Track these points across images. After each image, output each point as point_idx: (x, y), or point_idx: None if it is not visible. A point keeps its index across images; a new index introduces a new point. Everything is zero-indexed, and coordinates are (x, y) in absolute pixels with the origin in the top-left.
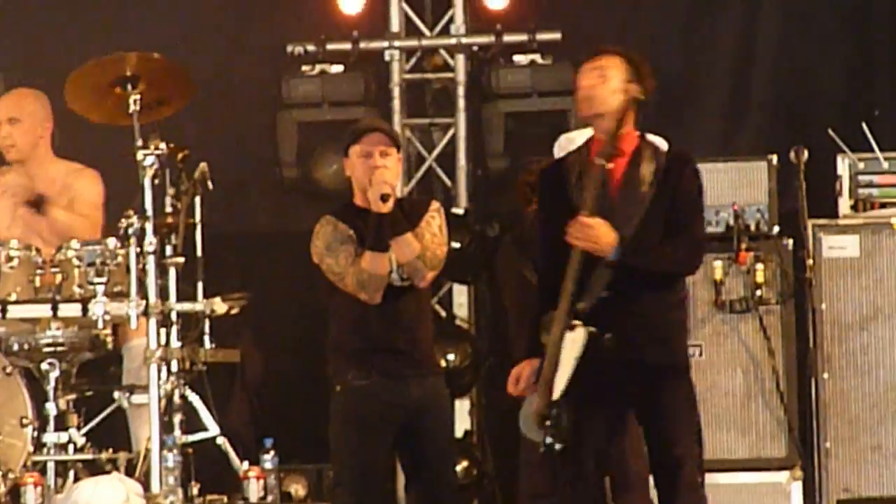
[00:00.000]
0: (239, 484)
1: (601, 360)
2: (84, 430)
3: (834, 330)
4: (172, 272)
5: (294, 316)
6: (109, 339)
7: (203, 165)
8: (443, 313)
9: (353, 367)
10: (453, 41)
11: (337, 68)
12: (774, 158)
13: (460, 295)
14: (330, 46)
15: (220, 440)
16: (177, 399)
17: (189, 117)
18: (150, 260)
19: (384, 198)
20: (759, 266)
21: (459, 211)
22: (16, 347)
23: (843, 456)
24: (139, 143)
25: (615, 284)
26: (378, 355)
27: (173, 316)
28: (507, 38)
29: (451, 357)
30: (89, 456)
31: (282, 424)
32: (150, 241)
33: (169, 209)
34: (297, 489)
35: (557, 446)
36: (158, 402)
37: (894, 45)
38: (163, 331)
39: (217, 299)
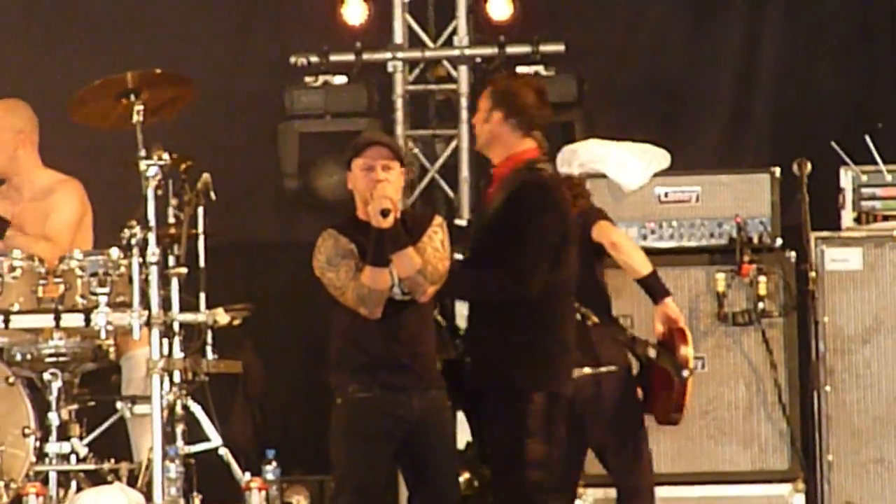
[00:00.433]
0: (241, 495)
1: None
2: (86, 441)
3: (836, 342)
4: (175, 283)
5: (296, 327)
6: (112, 349)
7: (206, 176)
8: (444, 324)
9: (355, 380)
10: (456, 52)
11: (340, 79)
12: (777, 171)
13: (462, 306)
14: (333, 57)
15: (222, 451)
16: (179, 410)
17: (192, 128)
18: (153, 270)
19: (384, 213)
20: (762, 279)
21: (462, 222)
22: (18, 357)
23: (846, 468)
24: (142, 153)
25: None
26: (379, 369)
27: (176, 326)
28: (511, 49)
29: None
30: (91, 466)
31: (284, 435)
32: (153, 252)
33: (172, 220)
34: (299, 500)
35: None
36: (161, 412)
37: None
38: (165, 341)
39: (219, 310)
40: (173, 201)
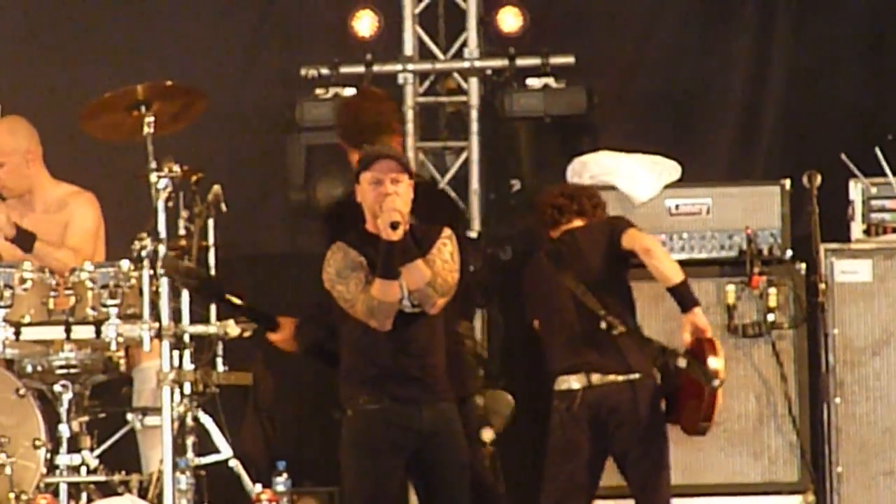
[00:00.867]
0: None
1: None
2: (97, 452)
3: (846, 354)
4: (185, 294)
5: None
6: (122, 361)
7: (216, 188)
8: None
9: (365, 391)
10: (467, 64)
11: (351, 91)
12: (787, 183)
13: (473, 318)
14: (343, 69)
15: (233, 463)
16: (189, 421)
17: (203, 140)
18: (164, 282)
19: (394, 226)
20: (772, 290)
21: (473, 234)
22: (29, 369)
23: (855, 480)
24: (153, 165)
25: None
26: (389, 381)
27: (186, 338)
28: (521, 61)
29: None
30: (102, 478)
31: (294, 447)
32: None
33: (182, 231)
34: None
35: None
36: (171, 424)
37: None
38: (176, 353)
39: (230, 322)
40: (184, 213)
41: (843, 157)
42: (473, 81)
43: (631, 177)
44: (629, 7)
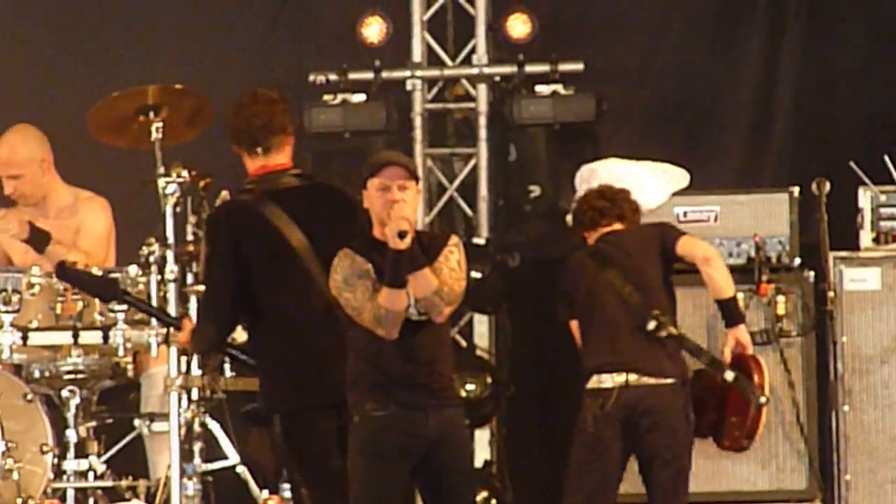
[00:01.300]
0: None
1: None
2: (104, 458)
3: (854, 362)
4: (193, 300)
5: None
6: (130, 366)
7: (225, 194)
8: (463, 343)
9: (372, 398)
10: (475, 71)
11: (359, 97)
12: (796, 190)
13: (481, 325)
14: (352, 75)
15: (240, 468)
16: (197, 427)
17: (211, 145)
18: (171, 288)
19: (402, 235)
20: (780, 298)
21: (480, 241)
22: (37, 374)
23: (863, 488)
24: (161, 170)
25: None
26: (396, 387)
27: None
28: (530, 68)
29: (471, 387)
30: (109, 483)
31: None
32: (172, 269)
33: (190, 237)
34: None
35: None
36: (179, 430)
37: None
38: (183, 359)
39: (238, 328)
40: (192, 219)
41: (853, 164)
42: (482, 88)
43: (639, 184)
44: (638, 14)
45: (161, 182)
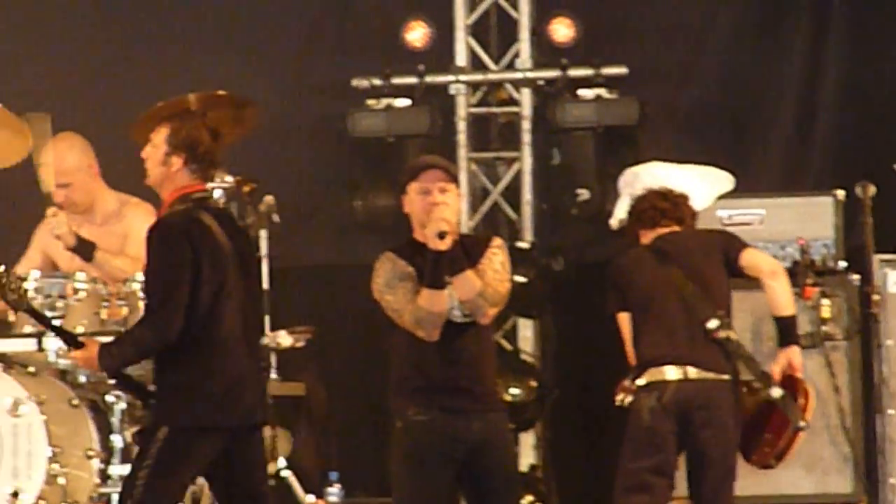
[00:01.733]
0: None
1: None
2: None
3: None
4: None
5: (359, 349)
6: None
7: (269, 199)
8: (508, 347)
9: (414, 403)
10: (519, 75)
11: (402, 102)
12: (841, 193)
13: (525, 329)
14: (395, 80)
15: (286, 473)
16: None
17: (255, 151)
18: None
19: (441, 235)
20: (825, 301)
21: (524, 245)
22: (82, 380)
23: None
24: None
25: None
26: (439, 392)
27: None
28: (573, 72)
29: (516, 391)
30: None
31: (347, 457)
32: None
33: None
34: None
35: None
36: None
37: None
38: None
39: (283, 332)
40: None
41: None
42: (525, 92)
43: (684, 188)
44: (681, 18)
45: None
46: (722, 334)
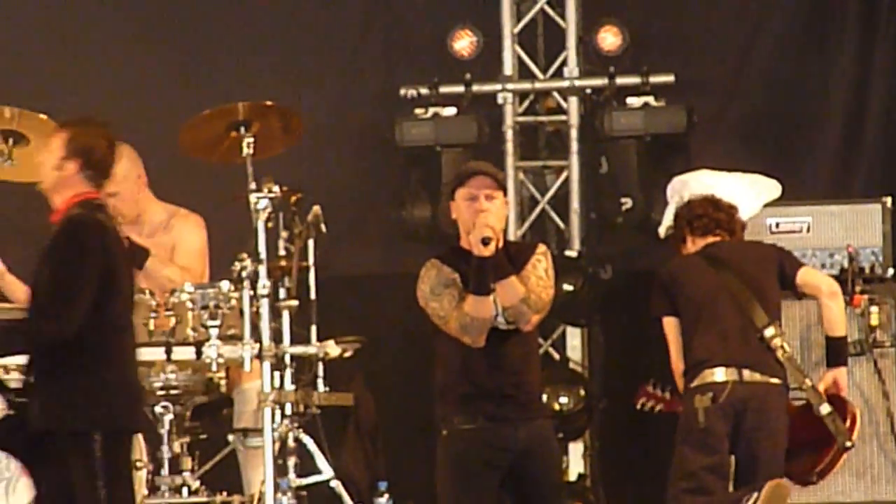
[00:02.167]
0: None
1: None
2: (198, 474)
3: None
4: (286, 315)
5: (407, 359)
6: (223, 382)
7: (316, 209)
8: (556, 356)
9: (460, 411)
10: (566, 84)
11: (450, 111)
12: (889, 200)
13: (573, 338)
14: (443, 89)
15: (334, 483)
16: (290, 442)
17: (302, 160)
18: (264, 303)
19: (485, 241)
20: (874, 309)
21: (572, 253)
22: None
23: None
24: (252, 186)
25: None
26: (484, 399)
27: (287, 359)
28: (621, 80)
29: (564, 400)
30: (204, 499)
31: (395, 467)
32: (264, 285)
33: (282, 252)
34: None
35: None
36: (272, 445)
37: None
38: (276, 374)
39: (330, 342)
40: (284, 234)
41: None
42: (573, 100)
43: (731, 195)
44: (729, 25)
45: (252, 198)
46: (777, 343)
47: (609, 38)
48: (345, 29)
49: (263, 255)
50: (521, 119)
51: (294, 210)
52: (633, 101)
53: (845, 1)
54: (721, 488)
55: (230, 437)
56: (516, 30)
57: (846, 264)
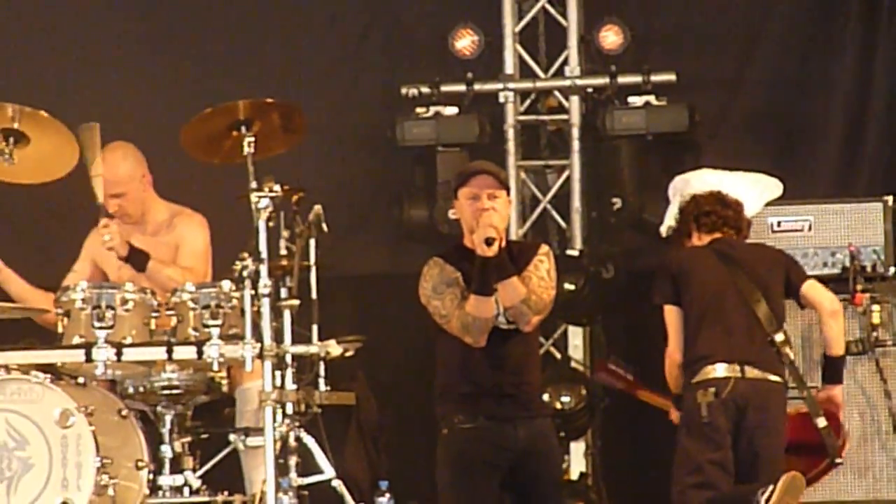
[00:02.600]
0: None
1: None
2: (200, 473)
3: None
4: (287, 315)
5: (408, 358)
6: (224, 381)
7: (317, 208)
8: (558, 355)
9: (461, 410)
10: (567, 83)
11: (451, 110)
12: (890, 199)
13: (575, 337)
14: (444, 88)
15: (336, 483)
16: (292, 442)
17: (303, 159)
18: (265, 302)
19: (489, 242)
20: (875, 307)
21: (574, 253)
22: (131, 390)
23: None
24: (253, 185)
25: None
26: (485, 399)
27: (288, 359)
28: (622, 79)
29: (566, 399)
30: (205, 499)
31: (397, 467)
32: (265, 284)
33: (283, 252)
34: None
35: None
36: (274, 444)
37: None
38: (278, 373)
39: (332, 342)
40: (285, 233)
41: None
42: (574, 99)
43: (733, 194)
44: (731, 24)
45: (254, 197)
46: (784, 350)
47: (610, 37)
48: (346, 28)
49: (265, 255)
50: (522, 118)
51: (295, 209)
52: (635, 100)
53: None
54: (726, 483)
55: (231, 437)
56: (517, 29)
57: (848, 263)
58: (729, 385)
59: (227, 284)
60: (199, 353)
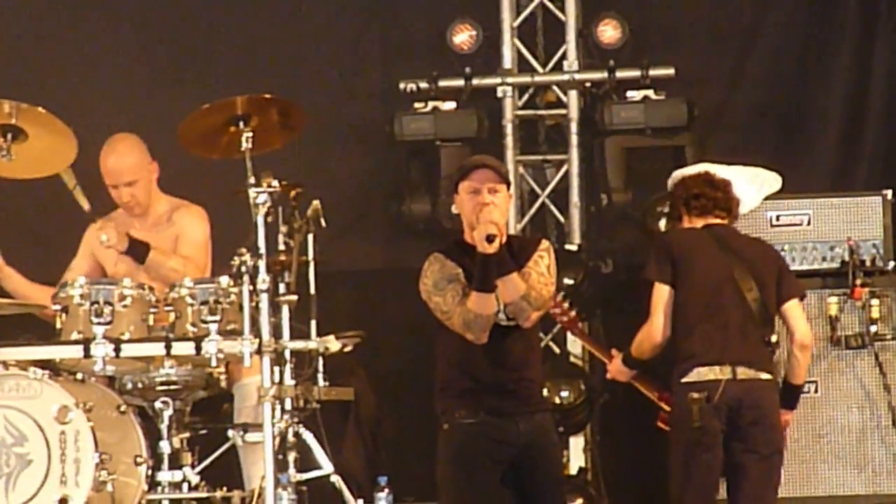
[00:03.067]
0: None
1: None
2: (198, 469)
3: None
4: (286, 310)
5: (407, 353)
6: (223, 377)
7: (316, 203)
8: (557, 350)
9: (461, 405)
10: (566, 77)
11: (449, 105)
12: (889, 193)
13: None
14: (442, 83)
15: (334, 478)
16: (291, 437)
17: (302, 155)
18: (264, 298)
19: (490, 239)
20: (875, 301)
21: (573, 247)
22: (130, 386)
23: None
24: (252, 180)
25: None
26: (485, 394)
27: (287, 354)
28: (620, 73)
29: (565, 394)
30: (204, 494)
31: (396, 462)
32: (263, 279)
33: (282, 247)
34: None
35: None
36: (272, 440)
37: None
38: (276, 369)
39: (331, 337)
40: (283, 228)
41: None
42: (573, 94)
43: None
44: (729, 19)
45: (252, 192)
46: (776, 350)
47: (609, 32)
48: (344, 23)
49: (263, 250)
50: (520, 113)
51: (293, 204)
52: (633, 95)
53: None
54: (716, 484)
55: (230, 433)
56: (516, 23)
57: (847, 257)
58: (720, 388)
59: (225, 280)
60: (198, 348)
